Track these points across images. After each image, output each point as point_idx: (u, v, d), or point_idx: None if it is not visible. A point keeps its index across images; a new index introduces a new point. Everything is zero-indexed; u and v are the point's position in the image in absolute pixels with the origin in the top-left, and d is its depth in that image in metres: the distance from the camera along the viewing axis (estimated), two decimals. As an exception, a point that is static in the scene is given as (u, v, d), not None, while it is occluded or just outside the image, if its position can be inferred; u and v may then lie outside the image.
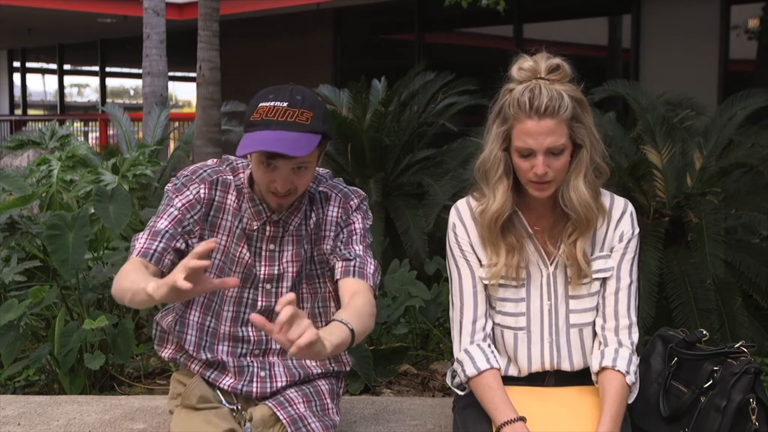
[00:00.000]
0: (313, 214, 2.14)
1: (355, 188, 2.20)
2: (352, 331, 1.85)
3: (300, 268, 2.15)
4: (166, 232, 2.03)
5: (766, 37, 8.05)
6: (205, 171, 2.12)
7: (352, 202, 2.16)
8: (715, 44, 8.30)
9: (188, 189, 2.09)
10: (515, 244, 2.07)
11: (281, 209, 2.09)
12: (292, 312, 1.60)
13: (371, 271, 2.10)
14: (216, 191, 2.10)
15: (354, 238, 2.14)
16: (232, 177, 2.12)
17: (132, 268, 1.97)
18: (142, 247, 2.01)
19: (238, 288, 2.13)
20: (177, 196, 2.08)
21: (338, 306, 2.17)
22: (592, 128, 2.01)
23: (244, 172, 2.13)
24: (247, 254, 2.11)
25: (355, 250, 2.12)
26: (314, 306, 2.19)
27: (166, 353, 2.22)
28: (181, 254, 2.03)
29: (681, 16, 8.52)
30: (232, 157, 2.16)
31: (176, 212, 2.06)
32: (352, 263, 2.09)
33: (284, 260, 2.13)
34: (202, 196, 2.08)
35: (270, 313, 2.15)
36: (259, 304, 2.15)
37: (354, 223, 2.15)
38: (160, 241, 2.02)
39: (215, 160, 2.18)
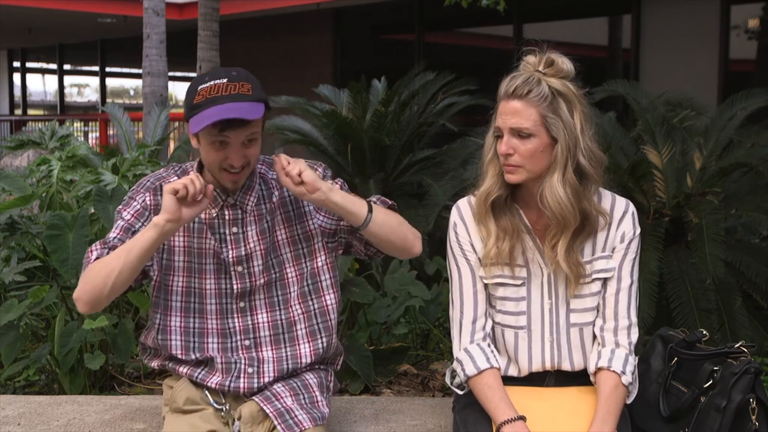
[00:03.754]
0: (275, 191, 2.19)
1: (312, 160, 2.25)
2: (369, 204, 2.11)
3: (268, 245, 2.17)
4: (115, 238, 2.11)
5: (766, 37, 8.05)
6: (149, 180, 2.20)
7: (317, 172, 2.16)
8: (715, 44, 8.30)
9: (135, 200, 2.17)
10: (509, 228, 2.08)
11: (236, 186, 2.13)
12: (285, 158, 2.02)
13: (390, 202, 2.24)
14: (160, 196, 2.14)
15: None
16: (176, 179, 2.17)
17: (96, 263, 2.05)
18: (98, 255, 2.08)
19: (214, 281, 2.17)
20: (125, 210, 2.17)
21: (332, 274, 2.23)
22: (575, 127, 2.00)
23: (193, 168, 2.19)
24: (213, 242, 2.16)
25: (361, 200, 2.16)
26: (303, 285, 2.21)
27: (155, 363, 2.26)
28: None
29: (681, 16, 8.52)
30: (179, 164, 2.25)
31: (123, 223, 2.14)
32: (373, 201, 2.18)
33: (250, 240, 2.17)
34: (148, 203, 2.16)
35: (249, 294, 2.18)
36: (235, 288, 2.17)
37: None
38: (108, 248, 2.09)
39: (162, 169, 2.25)
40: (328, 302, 2.23)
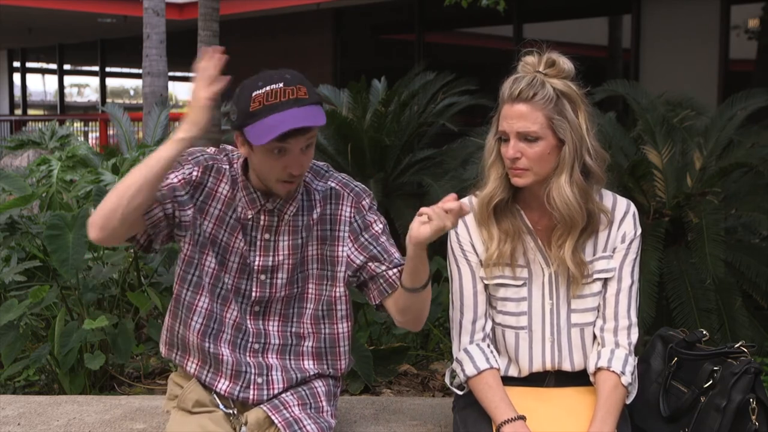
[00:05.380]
0: (317, 208, 2.13)
1: (363, 186, 2.19)
2: (430, 276, 2.01)
3: (297, 260, 2.13)
4: (160, 190, 2.01)
5: (766, 37, 8.04)
6: (202, 155, 2.12)
7: (364, 202, 2.15)
8: (715, 44, 8.30)
9: (183, 168, 2.08)
10: (510, 231, 2.07)
11: (289, 195, 2.07)
12: (458, 213, 1.85)
13: None
14: (209, 177, 2.09)
15: (382, 240, 2.12)
16: (228, 167, 2.11)
17: (113, 187, 1.97)
18: None
19: (234, 279, 2.12)
20: (173, 172, 2.06)
21: (348, 306, 2.18)
22: (581, 127, 2.00)
23: (237, 162, 2.12)
24: (242, 244, 2.11)
25: (396, 255, 2.12)
26: (318, 308, 2.16)
27: (162, 347, 2.22)
28: (168, 219, 2.04)
29: (681, 16, 8.52)
30: (230, 147, 2.17)
31: (171, 181, 2.05)
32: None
33: (280, 251, 2.11)
34: (194, 177, 2.08)
35: (266, 303, 2.14)
36: (254, 294, 2.13)
37: (373, 224, 2.13)
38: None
39: (213, 148, 2.17)
40: (340, 330, 2.18)
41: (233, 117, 2.00)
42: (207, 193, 2.10)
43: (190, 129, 1.93)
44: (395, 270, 2.09)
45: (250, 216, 2.10)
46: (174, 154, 1.93)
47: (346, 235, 2.12)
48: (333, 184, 2.15)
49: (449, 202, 1.86)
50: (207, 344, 2.12)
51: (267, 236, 2.11)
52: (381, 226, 2.13)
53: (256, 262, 2.11)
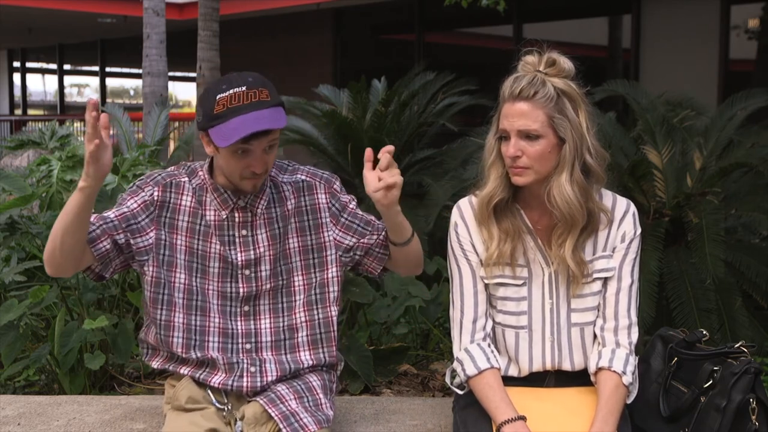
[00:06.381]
0: (291, 199, 2.21)
1: (329, 172, 2.29)
2: (413, 233, 2.15)
3: (277, 251, 2.18)
4: (111, 221, 2.10)
5: (766, 37, 8.05)
6: (159, 175, 2.21)
7: (335, 186, 2.26)
8: (715, 44, 8.30)
9: (143, 191, 2.17)
10: (510, 230, 2.08)
11: (255, 190, 2.14)
12: (389, 160, 2.01)
13: None
14: (170, 193, 2.17)
15: (360, 215, 2.24)
16: (187, 179, 2.19)
17: None
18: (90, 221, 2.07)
19: (218, 283, 2.17)
20: (132, 198, 2.16)
21: (339, 288, 2.25)
22: (581, 126, 2.01)
23: (202, 170, 2.19)
24: (218, 246, 2.16)
25: (377, 221, 2.24)
26: (310, 294, 2.21)
27: (156, 363, 2.25)
28: (119, 249, 2.11)
29: (681, 16, 8.52)
30: (190, 162, 2.25)
31: (126, 210, 2.13)
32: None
33: (260, 244, 2.18)
34: (156, 197, 2.16)
35: (254, 299, 2.19)
36: (241, 291, 2.18)
37: (348, 204, 2.25)
38: (102, 225, 2.08)
39: (174, 166, 2.25)
40: (333, 314, 2.23)
41: (198, 118, 2.08)
42: (172, 209, 2.17)
43: (86, 179, 1.96)
44: (383, 234, 2.20)
45: (224, 216, 2.16)
46: (80, 202, 1.98)
47: (328, 220, 2.22)
48: (303, 177, 2.24)
49: (372, 168, 2.05)
50: (194, 354, 2.17)
51: (244, 232, 2.18)
52: (354, 203, 2.25)
53: (239, 258, 2.17)
